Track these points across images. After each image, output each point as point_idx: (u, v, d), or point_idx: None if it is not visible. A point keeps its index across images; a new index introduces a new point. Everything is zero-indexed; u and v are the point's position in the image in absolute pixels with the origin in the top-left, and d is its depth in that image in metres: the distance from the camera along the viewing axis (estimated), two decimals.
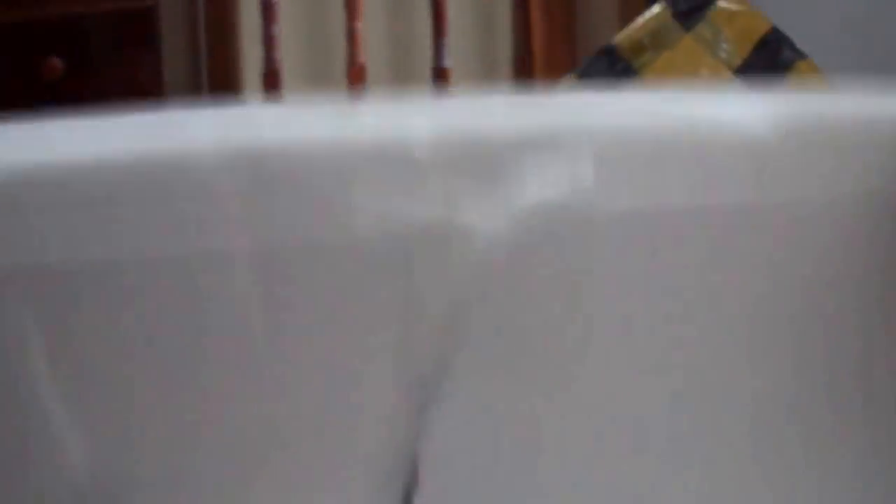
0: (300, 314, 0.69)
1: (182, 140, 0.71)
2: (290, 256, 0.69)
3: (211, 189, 0.67)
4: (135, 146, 0.68)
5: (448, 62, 2.32)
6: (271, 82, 2.25)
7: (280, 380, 0.69)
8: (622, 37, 2.21)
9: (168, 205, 0.66)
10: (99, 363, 0.67)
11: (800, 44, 2.19)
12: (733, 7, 2.21)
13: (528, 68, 2.48)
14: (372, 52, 2.62)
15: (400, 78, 2.67)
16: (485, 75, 2.70)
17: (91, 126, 0.75)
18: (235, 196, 0.67)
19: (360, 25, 2.28)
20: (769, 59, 2.18)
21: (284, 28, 2.52)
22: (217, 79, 2.53)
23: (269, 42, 2.25)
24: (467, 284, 0.71)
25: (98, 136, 0.72)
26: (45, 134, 0.73)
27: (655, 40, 2.20)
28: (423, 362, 0.70)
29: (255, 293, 0.68)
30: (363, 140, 0.72)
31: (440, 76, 2.32)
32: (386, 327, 0.71)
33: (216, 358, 0.68)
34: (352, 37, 2.27)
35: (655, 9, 2.21)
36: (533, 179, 0.71)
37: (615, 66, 2.19)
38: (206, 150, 0.67)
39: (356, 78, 2.28)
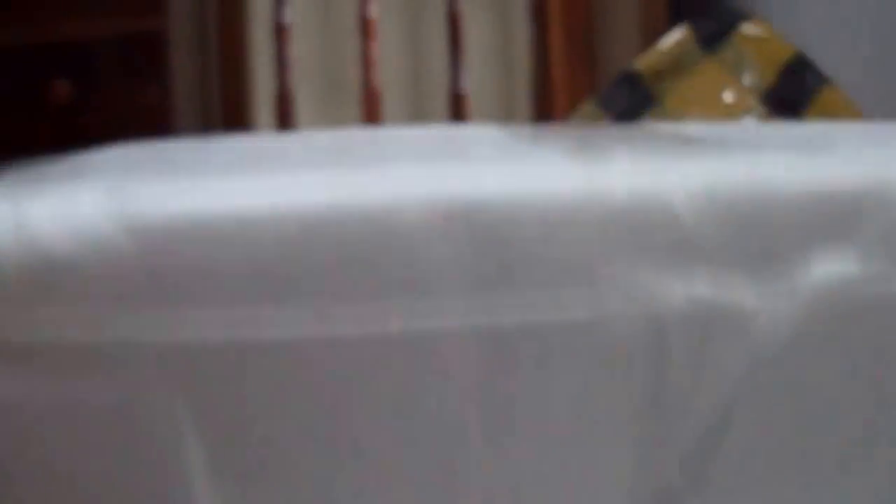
0: (525, 404, 0.58)
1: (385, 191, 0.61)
2: (517, 335, 0.58)
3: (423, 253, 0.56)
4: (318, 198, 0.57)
5: (465, 86, 2.26)
6: (284, 106, 2.19)
7: (497, 479, 0.58)
8: (643, 62, 2.15)
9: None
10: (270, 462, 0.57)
11: (826, 70, 2.14)
12: (757, 31, 2.15)
13: (546, 93, 2.42)
14: (387, 78, 2.57)
15: (416, 103, 2.62)
16: (502, 100, 2.64)
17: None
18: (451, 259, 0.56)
19: (374, 46, 2.22)
20: (795, 84, 2.12)
21: (297, 51, 2.46)
22: (228, 102, 2.47)
23: (282, 65, 2.19)
24: (738, 378, 0.60)
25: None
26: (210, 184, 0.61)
27: (677, 65, 2.14)
28: (671, 472, 0.59)
29: (472, 376, 0.57)
30: (614, 198, 0.60)
31: (457, 101, 2.26)
32: (629, 426, 0.59)
33: (424, 453, 0.59)
34: (366, 60, 2.22)
35: (677, 33, 2.15)
36: (819, 253, 0.59)
37: (636, 92, 2.14)
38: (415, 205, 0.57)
39: (371, 104, 2.22)
